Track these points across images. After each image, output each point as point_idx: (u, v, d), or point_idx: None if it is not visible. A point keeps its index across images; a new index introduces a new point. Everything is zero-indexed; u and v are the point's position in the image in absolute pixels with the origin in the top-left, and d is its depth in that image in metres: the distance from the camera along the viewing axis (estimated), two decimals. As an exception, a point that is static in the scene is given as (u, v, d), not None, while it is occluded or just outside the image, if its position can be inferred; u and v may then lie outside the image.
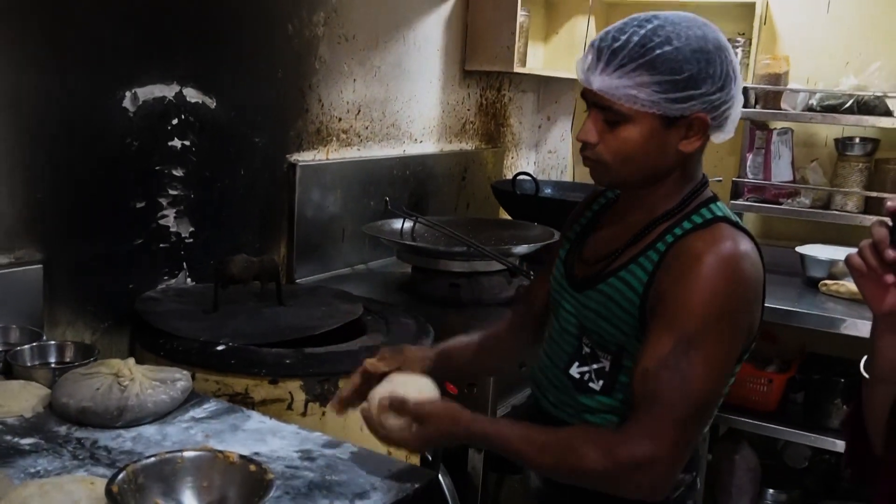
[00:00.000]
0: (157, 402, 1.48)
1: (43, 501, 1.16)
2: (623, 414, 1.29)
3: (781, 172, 3.19)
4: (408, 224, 2.69)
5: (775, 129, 3.20)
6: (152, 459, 1.20)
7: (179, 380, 1.54)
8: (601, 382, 1.32)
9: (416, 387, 1.36)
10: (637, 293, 1.27)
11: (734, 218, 1.30)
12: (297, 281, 2.51)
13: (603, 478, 1.20)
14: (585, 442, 1.21)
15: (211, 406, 1.58)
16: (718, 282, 1.19)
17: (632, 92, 1.22)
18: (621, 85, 1.22)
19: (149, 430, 1.46)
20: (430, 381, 1.39)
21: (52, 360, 1.67)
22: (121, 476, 1.14)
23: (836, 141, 3.12)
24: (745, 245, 1.24)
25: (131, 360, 1.53)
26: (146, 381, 1.49)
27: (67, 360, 1.67)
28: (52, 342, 1.70)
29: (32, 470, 1.29)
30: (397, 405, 1.30)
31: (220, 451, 1.23)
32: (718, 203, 1.33)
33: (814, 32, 3.23)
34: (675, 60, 1.21)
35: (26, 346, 1.64)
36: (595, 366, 1.34)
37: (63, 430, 1.43)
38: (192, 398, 1.59)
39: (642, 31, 1.22)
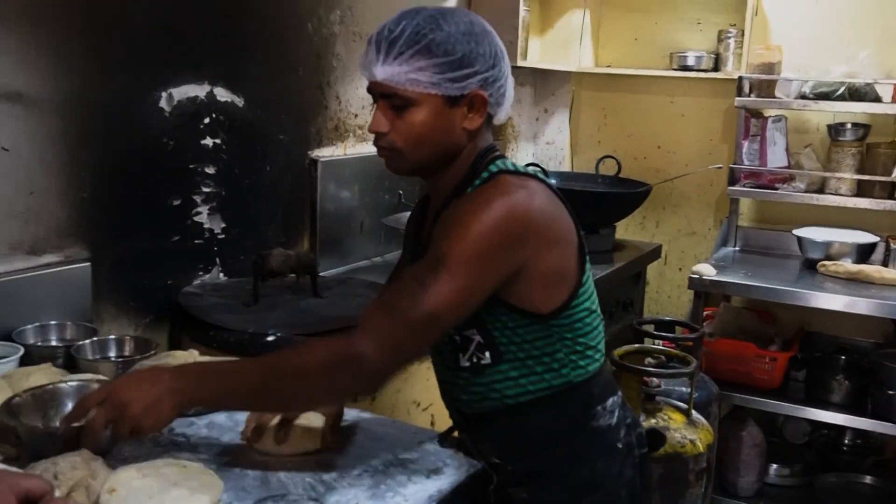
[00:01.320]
0: (225, 390, 1.54)
1: (143, 483, 1.22)
2: (535, 371, 1.38)
3: (776, 158, 3.31)
4: (423, 216, 2.76)
5: (769, 116, 3.31)
6: (39, 390, 1.38)
7: (242, 369, 1.60)
8: (488, 353, 1.38)
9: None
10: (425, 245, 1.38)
11: (517, 167, 1.37)
12: (321, 274, 2.57)
13: (319, 371, 1.25)
14: (309, 346, 1.33)
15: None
16: (483, 214, 1.26)
17: (413, 76, 1.30)
18: (402, 71, 1.30)
19: (219, 418, 1.52)
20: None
21: (112, 354, 1.72)
22: (14, 400, 1.32)
23: (829, 127, 3.23)
24: (525, 188, 1.30)
25: (195, 352, 1.59)
26: (212, 371, 1.55)
27: (126, 353, 1.73)
28: (111, 337, 1.76)
29: (120, 457, 1.35)
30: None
31: (98, 379, 1.41)
32: (501, 161, 1.38)
33: (804, 22, 3.35)
34: (447, 43, 1.30)
35: (87, 341, 1.70)
36: (473, 345, 1.39)
37: (138, 419, 1.49)
38: (252, 386, 1.65)
39: (415, 22, 1.31)
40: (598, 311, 1.44)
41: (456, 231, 1.27)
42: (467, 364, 1.41)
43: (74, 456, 1.23)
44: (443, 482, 1.33)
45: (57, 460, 1.21)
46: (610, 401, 1.44)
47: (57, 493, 1.16)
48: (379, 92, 1.34)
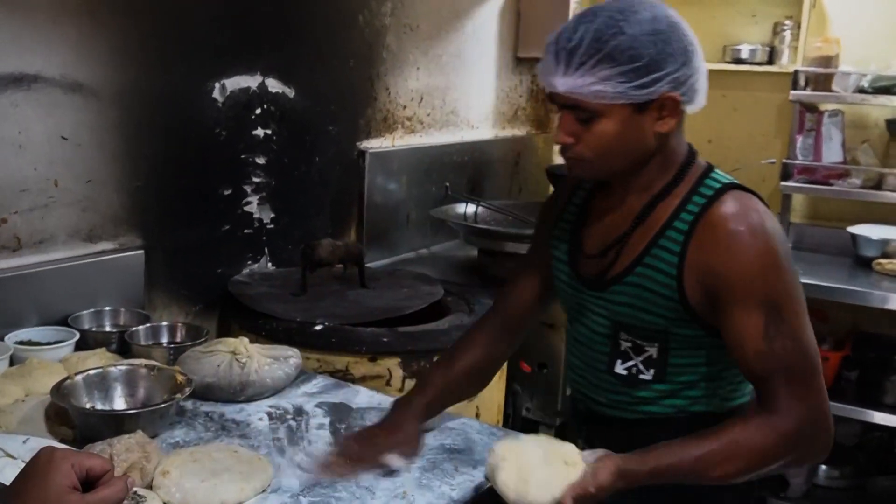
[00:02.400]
0: (275, 377, 1.56)
1: (196, 467, 1.24)
2: (683, 395, 1.31)
3: (832, 154, 3.23)
4: (470, 208, 2.76)
5: (826, 111, 3.24)
6: (90, 373, 1.43)
7: (291, 357, 1.62)
8: (652, 371, 1.31)
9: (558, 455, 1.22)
10: (671, 275, 1.26)
11: (737, 181, 1.31)
12: (368, 265, 2.59)
13: (777, 455, 1.19)
14: (746, 434, 1.19)
15: (319, 382, 1.66)
16: (765, 245, 1.21)
17: (597, 87, 1.20)
18: (585, 83, 1.21)
19: (269, 404, 1.54)
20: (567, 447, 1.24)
21: (164, 340, 1.75)
22: (66, 383, 1.37)
23: (888, 122, 3.15)
24: (760, 204, 1.26)
25: (245, 340, 1.61)
26: (262, 359, 1.57)
27: (178, 340, 1.76)
28: (164, 323, 1.79)
29: (171, 440, 1.38)
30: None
31: (148, 364, 1.47)
32: (717, 172, 1.32)
33: (864, 14, 3.26)
34: (631, 48, 1.20)
35: (140, 327, 1.73)
36: (640, 357, 1.32)
37: (189, 404, 1.52)
38: (300, 375, 1.67)
39: (594, 26, 1.21)
40: None
41: (757, 273, 1.20)
42: (623, 373, 1.34)
43: (129, 438, 1.25)
44: (489, 474, 1.33)
45: (112, 442, 1.24)
46: None
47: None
48: (561, 102, 1.26)
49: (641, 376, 1.32)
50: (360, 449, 1.34)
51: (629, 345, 1.32)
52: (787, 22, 3.37)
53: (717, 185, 1.28)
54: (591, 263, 1.35)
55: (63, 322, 1.74)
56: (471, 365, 1.48)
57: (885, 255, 2.99)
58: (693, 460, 1.19)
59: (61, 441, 1.32)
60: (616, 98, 1.21)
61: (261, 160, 2.21)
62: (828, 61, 3.14)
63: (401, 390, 1.79)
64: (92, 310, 1.80)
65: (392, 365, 1.79)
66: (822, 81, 3.15)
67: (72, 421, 1.35)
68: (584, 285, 1.36)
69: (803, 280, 2.91)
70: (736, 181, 1.31)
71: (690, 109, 1.30)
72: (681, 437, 1.26)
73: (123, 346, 1.70)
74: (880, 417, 2.87)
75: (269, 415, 1.50)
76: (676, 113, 1.26)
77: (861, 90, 3.06)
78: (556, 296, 1.48)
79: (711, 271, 1.23)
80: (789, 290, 1.21)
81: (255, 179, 2.20)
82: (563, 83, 1.22)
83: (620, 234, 1.32)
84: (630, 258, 1.30)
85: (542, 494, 1.15)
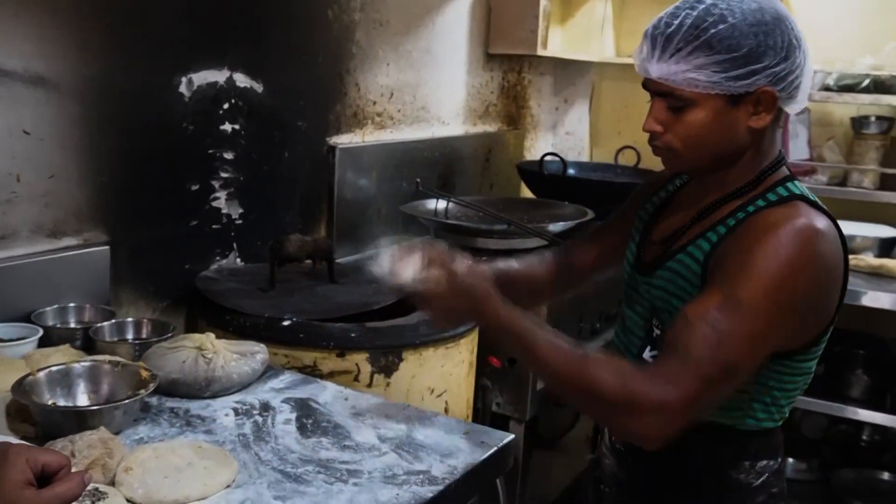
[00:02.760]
0: (241, 373, 1.55)
1: (159, 463, 1.23)
2: None
3: (798, 151, 3.28)
4: (441, 204, 2.76)
5: (792, 108, 3.28)
6: (52, 369, 1.41)
7: (258, 352, 1.61)
8: None
9: None
10: (699, 262, 1.26)
11: (813, 197, 1.27)
12: (338, 261, 2.58)
13: (609, 406, 1.16)
14: (607, 367, 1.18)
15: (287, 377, 1.65)
16: (787, 254, 1.15)
17: (691, 75, 1.20)
18: (679, 70, 1.20)
19: (235, 399, 1.53)
20: None
21: (130, 336, 1.74)
22: (27, 379, 1.35)
23: (853, 120, 3.20)
24: (823, 224, 1.19)
25: (212, 335, 1.60)
26: (228, 354, 1.56)
27: (144, 336, 1.74)
28: (130, 319, 1.77)
29: (135, 437, 1.36)
30: (445, 263, 1.31)
31: (112, 360, 1.45)
32: (796, 182, 1.29)
33: (830, 13, 3.31)
34: (731, 38, 1.18)
35: (106, 323, 1.71)
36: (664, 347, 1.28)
37: (154, 400, 1.50)
38: (268, 370, 1.66)
39: (695, 13, 1.20)
40: (812, 374, 1.32)
41: (752, 271, 1.15)
42: (649, 360, 1.35)
43: (92, 435, 1.24)
44: (458, 461, 1.33)
45: (74, 438, 1.22)
46: (763, 463, 1.33)
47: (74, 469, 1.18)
48: (654, 90, 1.26)
49: None
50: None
51: (659, 332, 1.34)
52: (754, 20, 3.41)
53: (786, 194, 1.25)
54: (652, 250, 1.38)
55: (26, 319, 1.71)
56: (534, 275, 1.59)
57: (851, 251, 3.02)
58: (549, 342, 1.22)
59: (23, 438, 1.30)
60: (710, 87, 1.19)
61: (229, 155, 2.20)
62: (794, 59, 3.18)
63: (369, 385, 1.79)
64: (56, 306, 1.77)
65: (360, 360, 1.78)
66: (788, 79, 3.18)
67: (33, 418, 1.33)
68: (637, 269, 1.40)
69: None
70: (810, 195, 1.26)
71: (790, 109, 1.26)
72: (694, 448, 1.28)
73: (88, 343, 1.68)
74: (847, 412, 2.92)
75: (235, 410, 1.49)
76: (772, 109, 1.22)
77: (826, 88, 3.10)
78: (610, 270, 1.55)
79: (723, 257, 1.22)
80: (764, 306, 1.15)
81: (224, 175, 2.19)
82: (657, 69, 1.22)
83: (681, 226, 1.33)
84: (678, 247, 1.31)
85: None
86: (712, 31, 1.19)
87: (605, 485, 1.50)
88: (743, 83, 1.20)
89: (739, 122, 1.24)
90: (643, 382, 1.14)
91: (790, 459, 3.19)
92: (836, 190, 3.15)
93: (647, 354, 1.37)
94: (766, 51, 1.19)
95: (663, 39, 1.22)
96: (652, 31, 1.24)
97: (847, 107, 3.25)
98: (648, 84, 1.27)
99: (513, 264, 1.59)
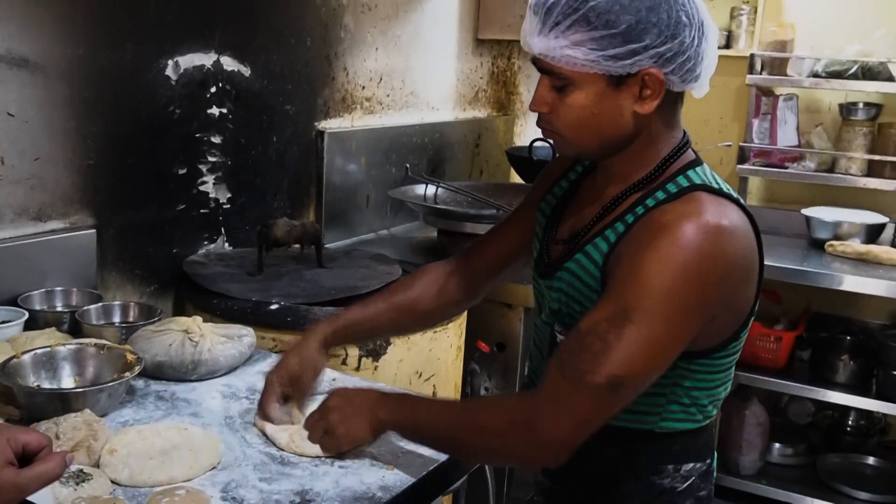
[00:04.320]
0: (228, 356, 1.55)
1: (144, 445, 1.23)
2: None
3: (787, 137, 3.28)
4: (430, 189, 2.76)
5: (781, 95, 3.29)
6: (37, 352, 1.41)
7: (245, 335, 1.61)
8: None
9: None
10: (598, 265, 1.18)
11: (717, 184, 1.17)
12: (326, 246, 2.58)
13: (498, 436, 1.15)
14: (492, 406, 1.21)
15: (274, 361, 1.64)
16: (677, 257, 1.07)
17: (568, 52, 1.11)
18: (558, 45, 1.11)
19: (222, 382, 1.53)
20: None
21: (117, 319, 1.73)
22: (11, 362, 1.35)
23: (841, 106, 3.21)
24: (726, 218, 1.11)
25: (199, 318, 1.59)
26: (215, 337, 1.56)
27: (131, 319, 1.74)
28: (117, 303, 1.77)
29: (121, 420, 1.36)
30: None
31: (97, 343, 1.45)
32: (699, 168, 1.19)
33: (818, 0, 3.31)
34: (609, 12, 1.09)
35: (92, 307, 1.70)
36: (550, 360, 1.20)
37: (140, 383, 1.50)
38: (255, 353, 1.66)
39: None
40: (733, 368, 1.26)
41: (645, 275, 1.08)
42: None
43: (76, 417, 1.24)
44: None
45: (59, 420, 1.22)
46: (689, 466, 1.25)
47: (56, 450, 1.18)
48: (539, 67, 1.17)
49: None
50: (265, 398, 1.36)
51: (563, 338, 1.25)
52: (743, 7, 3.42)
53: (686, 184, 1.16)
54: (557, 249, 1.28)
55: (12, 302, 1.70)
56: (411, 298, 1.46)
57: (838, 237, 3.05)
58: (425, 415, 1.23)
59: (6, 421, 1.30)
60: (588, 66, 1.11)
61: (216, 139, 2.19)
62: (783, 46, 3.19)
63: (357, 369, 1.79)
64: (42, 290, 1.77)
65: (348, 344, 1.78)
66: (777, 66, 3.20)
67: (17, 400, 1.33)
68: (538, 271, 1.31)
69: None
70: (712, 184, 1.17)
71: (695, 93, 1.19)
72: (613, 455, 1.24)
73: (75, 327, 1.68)
74: (832, 396, 2.94)
75: (222, 393, 1.49)
76: (659, 93, 1.13)
77: (815, 75, 3.11)
78: (510, 271, 1.46)
79: (620, 254, 1.15)
80: (655, 314, 1.07)
81: (211, 159, 2.18)
82: (538, 43, 1.13)
83: (586, 224, 1.24)
84: (579, 245, 1.22)
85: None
86: (591, 3, 1.09)
87: (536, 495, 1.43)
88: (623, 63, 1.11)
89: (624, 106, 1.15)
90: (525, 406, 1.14)
91: (776, 444, 3.21)
92: (823, 176, 3.16)
93: None
94: (647, 28, 1.10)
95: (543, 11, 1.12)
96: (534, 2, 1.15)
97: (835, 93, 3.26)
98: (534, 61, 1.18)
99: (361, 306, 1.48)
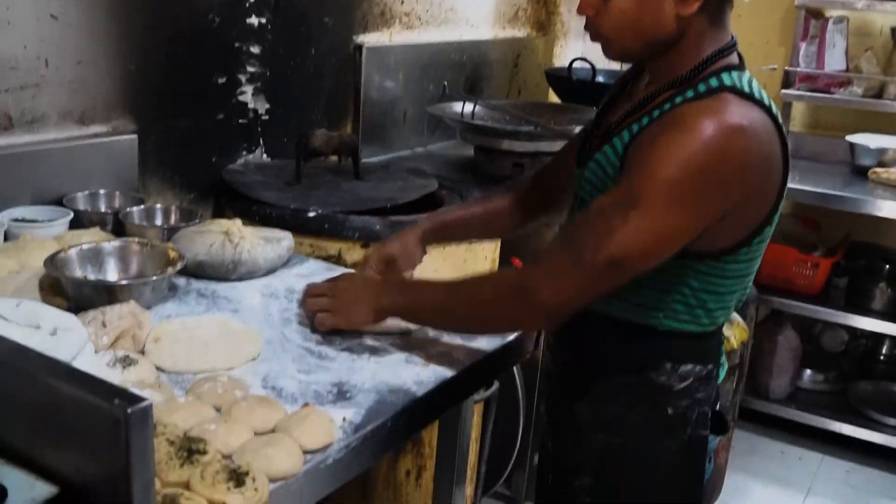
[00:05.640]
0: (267, 258, 1.58)
1: (187, 335, 1.27)
2: (620, 297, 1.24)
3: (834, 62, 3.20)
4: (468, 107, 2.74)
5: (831, 17, 3.19)
6: (83, 247, 1.46)
7: (283, 239, 1.64)
8: None
9: None
10: (618, 155, 1.21)
11: (749, 90, 1.16)
12: (363, 161, 2.58)
13: (492, 300, 1.23)
14: (491, 277, 1.32)
15: (311, 265, 1.68)
16: (687, 149, 1.09)
17: None
18: None
19: (261, 283, 1.56)
20: None
21: (159, 221, 1.77)
22: (59, 255, 1.39)
23: (893, 30, 3.11)
24: (746, 119, 1.12)
25: (238, 221, 1.62)
26: (255, 239, 1.59)
27: (172, 222, 1.77)
28: (158, 205, 1.80)
29: (164, 313, 1.40)
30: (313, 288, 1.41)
31: (140, 240, 1.51)
32: (735, 73, 1.18)
33: (876, -84, 3.18)
34: None
35: (135, 209, 1.74)
36: (557, 233, 1.34)
37: (182, 281, 1.54)
38: (293, 258, 1.69)
39: None
40: (752, 276, 1.27)
41: (655, 164, 1.10)
42: None
43: (122, 307, 1.28)
44: (479, 345, 1.36)
45: (105, 310, 1.26)
46: (687, 367, 1.27)
47: (105, 339, 1.22)
48: None
49: None
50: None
51: None
52: (796, -77, 3.29)
53: (715, 85, 1.16)
54: (595, 142, 1.31)
55: (58, 203, 1.74)
56: (500, 209, 1.54)
57: (882, 164, 2.99)
58: (429, 291, 1.32)
59: (56, 311, 1.34)
60: None
61: (255, 49, 2.18)
62: (836, -36, 3.08)
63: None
64: (87, 192, 1.80)
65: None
66: (828, -15, 3.09)
67: (66, 292, 1.37)
68: (577, 162, 1.35)
69: (798, 186, 2.93)
70: (743, 88, 1.16)
71: None
72: (615, 345, 1.28)
73: (118, 228, 1.71)
74: (867, 323, 2.93)
75: (261, 293, 1.52)
76: None
77: (868, -6, 3.01)
78: None
79: (635, 148, 1.17)
80: (660, 203, 1.10)
81: (250, 69, 2.18)
82: None
83: (618, 118, 1.26)
84: (607, 139, 1.25)
85: None
86: None
87: (543, 379, 1.51)
88: None
89: (666, 8, 1.16)
90: (528, 278, 1.20)
91: (808, 370, 3.22)
92: (871, 102, 3.09)
93: None
94: None
95: None
96: None
97: (888, 16, 3.15)
98: None
99: (451, 211, 1.60)
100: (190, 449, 0.95)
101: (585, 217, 1.18)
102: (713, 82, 1.17)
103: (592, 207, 1.18)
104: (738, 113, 1.11)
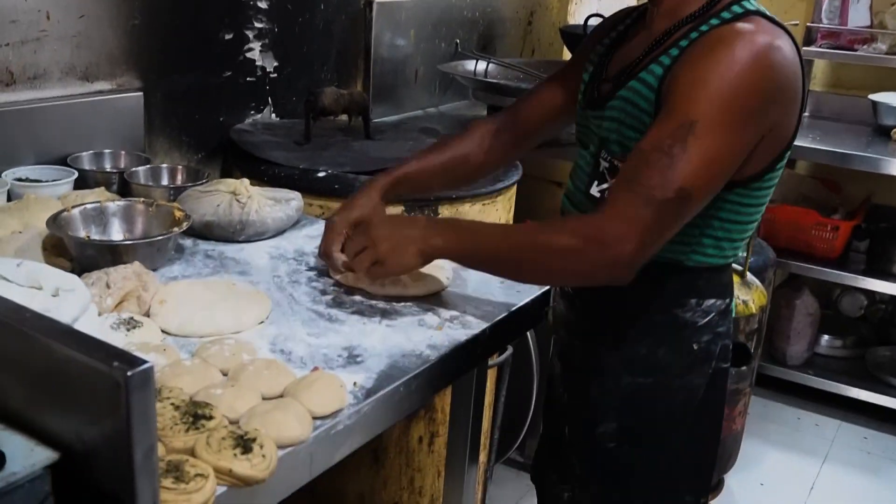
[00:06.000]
0: (276, 218, 1.54)
1: (193, 297, 1.23)
2: None
3: (858, 17, 3.11)
4: (480, 65, 2.68)
5: (855, -29, 3.09)
6: (87, 206, 1.41)
7: (292, 199, 1.59)
8: None
9: None
10: (652, 88, 1.18)
11: (772, 15, 1.18)
12: (374, 121, 2.53)
13: (567, 253, 1.14)
14: (554, 225, 1.21)
15: (320, 226, 1.63)
16: (739, 68, 1.09)
17: None
18: None
19: (269, 244, 1.52)
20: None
21: (165, 181, 1.72)
22: (62, 214, 1.35)
23: (920, -16, 3.01)
24: (780, 40, 1.13)
25: (246, 181, 1.58)
26: (263, 200, 1.54)
27: (179, 182, 1.73)
28: (164, 165, 1.76)
29: (170, 275, 1.37)
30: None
31: (145, 200, 1.46)
32: (753, 0, 1.19)
33: None
34: None
35: (141, 168, 1.69)
36: (614, 180, 1.24)
37: (189, 242, 1.50)
38: (303, 219, 1.65)
39: None
40: (764, 208, 1.27)
41: (704, 87, 1.10)
42: (596, 195, 1.28)
43: (126, 268, 1.24)
44: (492, 309, 1.32)
45: (109, 271, 1.23)
46: (709, 302, 1.28)
47: (109, 301, 1.19)
48: None
49: None
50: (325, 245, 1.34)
51: (607, 164, 1.27)
52: None
53: (741, 11, 1.16)
54: (607, 86, 1.29)
55: (62, 162, 1.70)
56: (463, 153, 1.47)
57: (906, 124, 2.91)
58: (485, 236, 1.22)
59: (59, 272, 1.31)
60: None
61: (263, 4, 2.12)
62: (862, -85, 2.97)
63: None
64: (91, 151, 1.76)
65: (395, 212, 1.76)
66: (854, -62, 2.99)
67: (69, 252, 1.34)
68: (589, 105, 1.32)
69: (819, 146, 2.86)
70: (768, 12, 1.17)
71: None
72: (640, 285, 1.20)
73: (123, 188, 1.67)
74: (887, 287, 2.87)
75: (270, 254, 1.48)
76: None
77: (896, -53, 2.91)
78: (560, 123, 1.47)
79: (676, 74, 1.15)
80: (719, 124, 1.10)
81: (258, 25, 2.12)
82: None
83: (637, 57, 1.24)
84: (630, 76, 1.23)
85: None
86: None
87: (557, 329, 1.47)
88: None
89: None
90: (595, 223, 1.14)
91: (825, 336, 3.17)
92: (895, 59, 3.00)
93: (594, 189, 1.30)
94: None
95: None
96: None
97: (915, -30, 3.05)
98: None
99: (416, 158, 1.47)
100: (196, 414, 0.92)
101: (642, 157, 1.12)
102: (737, 9, 1.17)
103: (645, 146, 1.12)
104: (773, 33, 1.13)
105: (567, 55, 3.25)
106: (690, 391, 1.30)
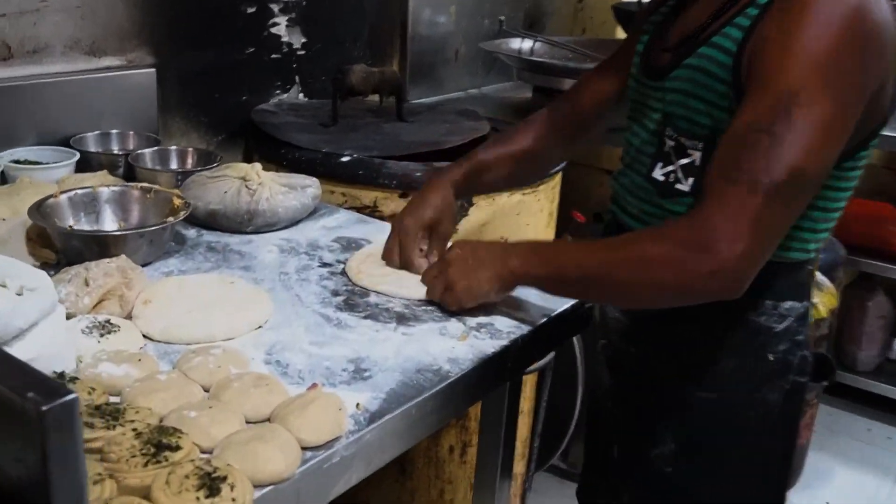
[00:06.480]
0: (288, 207, 1.38)
1: (184, 297, 1.08)
2: None
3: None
4: (526, 44, 2.50)
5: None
6: (76, 192, 1.28)
7: (309, 186, 1.44)
8: (691, 180, 1.09)
9: None
10: (730, 53, 1.03)
11: None
12: (410, 102, 2.37)
13: (663, 264, 0.98)
14: (645, 236, 1.05)
15: (341, 216, 1.48)
16: (833, 24, 0.95)
17: None
18: None
19: (280, 236, 1.37)
20: None
21: (174, 165, 1.58)
22: (48, 201, 1.22)
23: None
24: None
25: (258, 165, 1.43)
26: (275, 186, 1.39)
27: (189, 165, 1.59)
28: (173, 147, 1.62)
29: (165, 269, 1.22)
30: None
31: (143, 186, 1.32)
32: None
33: None
34: None
35: (147, 150, 1.56)
36: (682, 161, 1.10)
37: (192, 233, 1.36)
38: (321, 208, 1.49)
39: None
40: (851, 193, 1.11)
41: (800, 53, 0.95)
42: (660, 178, 1.13)
43: (109, 262, 1.10)
44: (528, 315, 1.15)
45: (89, 266, 1.08)
46: (787, 304, 1.13)
47: (86, 300, 1.04)
48: None
49: (678, 185, 1.11)
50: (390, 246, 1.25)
51: (673, 143, 1.12)
52: None
53: None
54: (665, 56, 1.14)
55: (65, 143, 1.57)
56: (526, 148, 1.35)
57: None
58: (576, 260, 1.07)
59: (43, 266, 1.17)
60: None
61: (290, -26, 1.97)
62: None
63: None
64: (98, 132, 1.63)
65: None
66: None
67: (55, 244, 1.20)
68: (647, 76, 1.17)
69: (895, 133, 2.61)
70: None
71: None
72: None
73: (129, 171, 1.53)
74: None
75: (279, 247, 1.33)
76: None
77: None
78: (624, 104, 1.29)
79: (762, 39, 1.00)
80: (822, 91, 0.95)
81: (284, -3, 1.97)
82: None
83: (703, 23, 1.08)
84: (701, 40, 1.08)
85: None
86: None
87: (606, 334, 1.29)
88: None
89: None
90: (693, 226, 0.98)
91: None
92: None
93: (657, 173, 1.14)
94: None
95: None
96: None
97: None
98: None
99: (482, 152, 1.34)
100: (159, 444, 0.77)
101: (738, 140, 0.97)
102: None
103: (740, 128, 0.98)
104: None
105: (620, 34, 3.04)
106: (762, 408, 1.14)
